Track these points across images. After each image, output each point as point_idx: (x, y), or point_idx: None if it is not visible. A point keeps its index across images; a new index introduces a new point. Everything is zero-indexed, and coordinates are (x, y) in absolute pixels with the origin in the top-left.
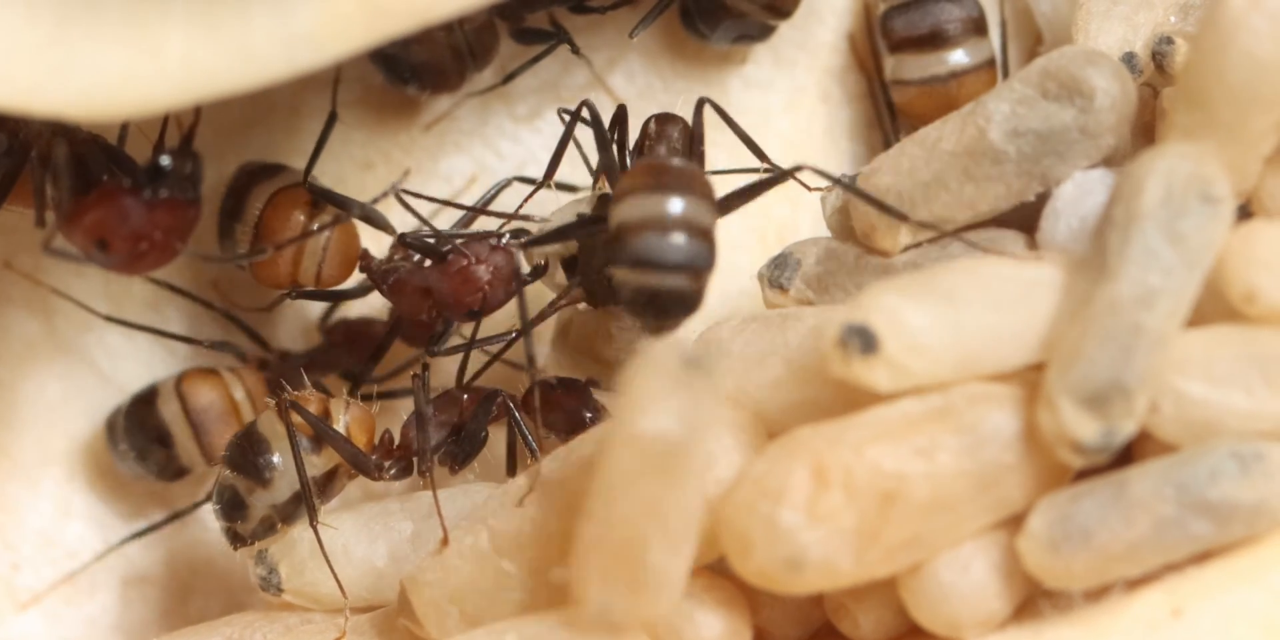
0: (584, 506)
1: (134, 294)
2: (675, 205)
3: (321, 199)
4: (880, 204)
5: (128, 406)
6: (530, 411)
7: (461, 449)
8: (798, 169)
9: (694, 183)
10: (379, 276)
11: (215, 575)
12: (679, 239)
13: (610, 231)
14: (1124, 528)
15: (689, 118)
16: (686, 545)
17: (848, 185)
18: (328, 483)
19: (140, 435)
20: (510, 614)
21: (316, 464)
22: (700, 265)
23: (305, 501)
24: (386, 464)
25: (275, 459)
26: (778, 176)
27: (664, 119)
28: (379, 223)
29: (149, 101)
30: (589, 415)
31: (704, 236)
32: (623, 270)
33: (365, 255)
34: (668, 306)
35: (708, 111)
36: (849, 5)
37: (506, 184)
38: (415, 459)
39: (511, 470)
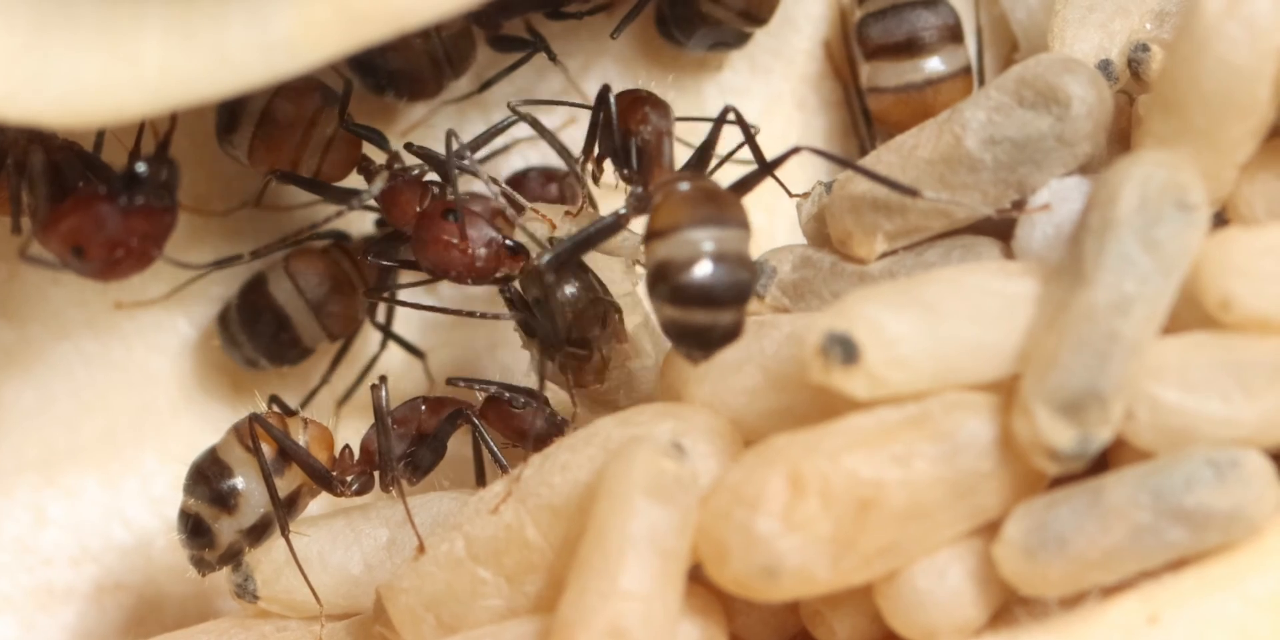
0: (579, 529)
1: (109, 301)
2: (719, 240)
3: (360, 136)
4: (887, 181)
5: (238, 298)
6: (489, 421)
7: (421, 461)
8: (795, 151)
9: (732, 210)
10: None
11: (191, 582)
12: (725, 275)
13: (652, 267)
14: (1100, 535)
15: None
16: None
17: (854, 165)
18: (291, 504)
19: (257, 321)
20: (487, 621)
21: (280, 486)
22: (745, 297)
23: (275, 511)
24: (349, 479)
25: (239, 484)
26: (779, 160)
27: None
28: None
29: (125, 108)
30: (543, 424)
31: (745, 266)
32: (667, 307)
33: (365, 158)
34: (715, 340)
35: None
36: (825, 12)
37: (515, 121)
38: (377, 473)
39: (480, 483)
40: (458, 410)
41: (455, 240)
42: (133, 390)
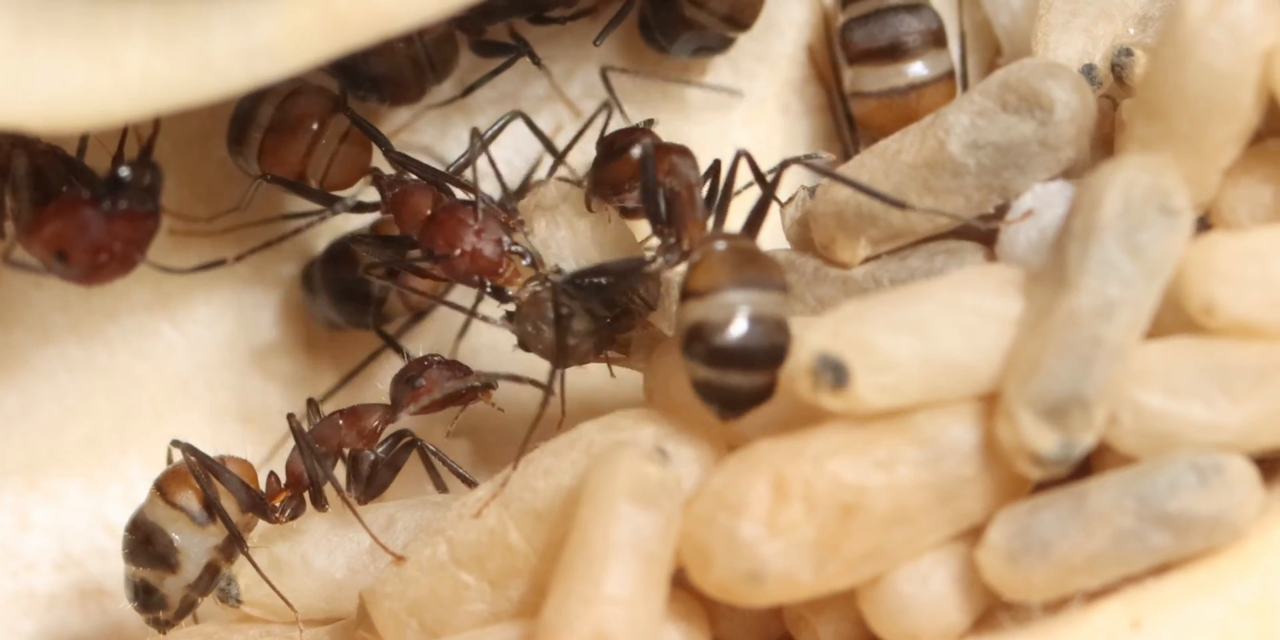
0: (563, 534)
1: (92, 306)
2: (757, 303)
3: (361, 129)
4: (875, 193)
5: (322, 254)
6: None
7: (372, 484)
8: (785, 165)
9: (770, 271)
10: (386, 186)
11: None
12: (763, 338)
13: (688, 327)
14: (1083, 539)
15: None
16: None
17: (842, 177)
18: (229, 542)
19: (338, 281)
20: (470, 626)
21: (215, 531)
22: (781, 360)
23: (231, 533)
24: (279, 504)
25: (175, 541)
26: (775, 178)
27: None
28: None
29: (109, 113)
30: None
31: (782, 329)
32: (701, 368)
33: (375, 168)
34: (749, 401)
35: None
36: (808, 17)
37: (512, 118)
38: (306, 494)
39: (441, 491)
40: (410, 441)
41: (465, 234)
42: (117, 395)
